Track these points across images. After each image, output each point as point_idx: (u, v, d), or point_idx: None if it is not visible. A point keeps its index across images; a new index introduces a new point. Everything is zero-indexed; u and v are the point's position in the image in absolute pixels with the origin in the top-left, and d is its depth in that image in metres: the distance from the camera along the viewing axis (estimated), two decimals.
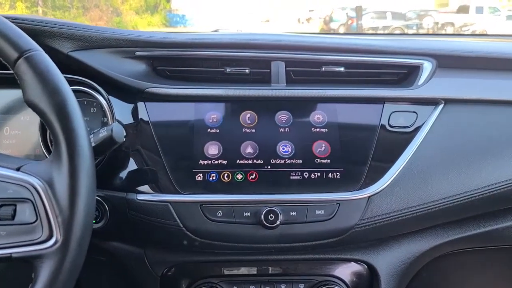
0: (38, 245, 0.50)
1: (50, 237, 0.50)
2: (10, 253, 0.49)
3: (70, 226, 0.50)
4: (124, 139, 0.65)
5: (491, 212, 0.79)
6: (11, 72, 0.54)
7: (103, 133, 0.61)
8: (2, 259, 0.49)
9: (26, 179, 0.51)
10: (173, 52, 0.77)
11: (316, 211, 0.70)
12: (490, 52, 0.85)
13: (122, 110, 0.74)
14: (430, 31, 11.52)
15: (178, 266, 0.77)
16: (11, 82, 0.59)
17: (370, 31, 11.09)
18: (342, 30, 12.31)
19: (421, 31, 11.92)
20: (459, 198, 0.73)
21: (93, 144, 0.59)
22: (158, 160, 0.71)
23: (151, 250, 0.76)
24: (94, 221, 0.71)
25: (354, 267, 0.79)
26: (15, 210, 0.50)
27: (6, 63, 0.54)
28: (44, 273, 0.49)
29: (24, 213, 0.50)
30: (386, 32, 10.71)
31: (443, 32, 11.52)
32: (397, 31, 11.30)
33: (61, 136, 0.51)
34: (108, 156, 0.72)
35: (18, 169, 0.52)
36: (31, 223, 0.50)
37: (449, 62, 0.81)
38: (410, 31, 11.64)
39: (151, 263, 0.76)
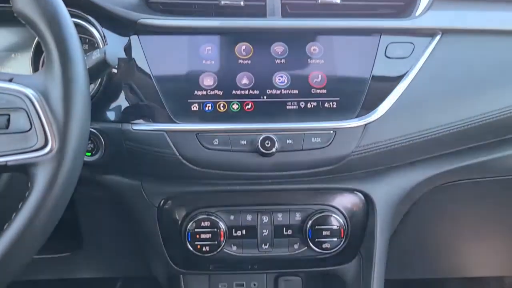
0: (33, 153, 0.49)
1: (45, 145, 0.50)
2: (5, 161, 0.49)
3: (65, 133, 0.50)
4: (117, 63, 0.65)
5: (486, 143, 0.80)
6: None
7: (96, 55, 0.61)
8: None
9: (18, 89, 0.50)
10: None
11: (313, 138, 0.70)
12: None
13: (115, 44, 0.74)
14: None
15: (175, 197, 0.78)
16: None
17: None
18: None
19: None
20: (454, 126, 0.73)
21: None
22: (153, 91, 0.71)
23: (148, 181, 0.77)
24: (89, 154, 0.71)
25: (350, 196, 0.79)
26: (8, 120, 0.50)
27: None
28: (40, 180, 0.49)
29: (18, 121, 0.50)
30: None
31: None
32: None
33: (53, 44, 0.50)
34: (102, 88, 0.71)
35: (10, 80, 0.51)
36: (26, 131, 0.50)
37: None
38: None
39: (148, 195, 0.77)
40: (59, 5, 0.52)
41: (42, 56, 0.80)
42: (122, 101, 0.73)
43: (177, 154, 0.70)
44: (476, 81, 0.77)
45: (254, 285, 0.91)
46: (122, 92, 0.73)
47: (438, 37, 0.76)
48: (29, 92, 0.50)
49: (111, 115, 0.72)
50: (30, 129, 0.50)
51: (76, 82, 0.51)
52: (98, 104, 0.71)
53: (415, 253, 1.05)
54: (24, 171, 0.49)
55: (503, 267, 1.21)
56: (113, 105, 0.72)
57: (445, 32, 0.77)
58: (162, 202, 0.78)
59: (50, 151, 0.49)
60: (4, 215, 0.54)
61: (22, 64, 0.81)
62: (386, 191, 0.79)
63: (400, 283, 1.53)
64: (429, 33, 0.77)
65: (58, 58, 0.50)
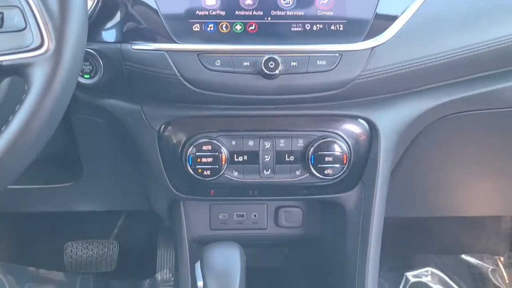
0: (29, 53, 0.48)
1: (41, 44, 0.48)
2: (0, 61, 0.47)
3: (62, 33, 0.48)
4: None
5: (496, 72, 0.78)
6: None
7: None
8: None
9: None
10: None
11: (318, 61, 0.68)
12: None
13: None
14: None
15: (175, 121, 0.77)
16: None
17: None
18: None
19: None
20: (464, 51, 0.71)
21: None
22: (153, 10, 0.68)
23: (148, 105, 0.76)
24: (88, 76, 0.70)
25: (355, 123, 0.79)
26: (2, 18, 0.48)
27: None
28: (37, 81, 0.47)
29: (12, 20, 0.48)
30: None
31: None
32: None
33: None
34: (100, 7, 0.69)
35: None
36: (21, 30, 0.48)
37: None
38: None
39: (148, 119, 0.76)
40: None
41: None
42: (120, 21, 0.70)
43: (178, 75, 0.68)
44: (488, 6, 0.74)
45: (255, 216, 0.92)
46: (120, 11, 0.70)
47: None
48: None
49: (109, 35, 0.70)
50: (25, 28, 0.48)
51: None
52: (96, 24, 0.68)
53: (414, 191, 1.06)
54: (20, 73, 0.48)
55: (502, 206, 1.24)
56: (111, 24, 0.70)
57: None
58: (162, 126, 0.77)
59: (47, 51, 0.47)
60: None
61: None
62: (391, 119, 0.78)
63: (398, 221, 1.57)
64: None
65: None
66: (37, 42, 0.48)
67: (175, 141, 0.77)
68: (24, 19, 0.48)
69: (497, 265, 1.64)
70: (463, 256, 1.65)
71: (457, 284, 1.60)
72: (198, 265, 0.65)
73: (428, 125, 0.84)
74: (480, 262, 1.64)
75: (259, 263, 1.08)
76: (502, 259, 1.64)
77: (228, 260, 0.63)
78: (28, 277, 1.50)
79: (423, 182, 1.03)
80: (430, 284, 1.60)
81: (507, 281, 1.62)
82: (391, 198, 0.99)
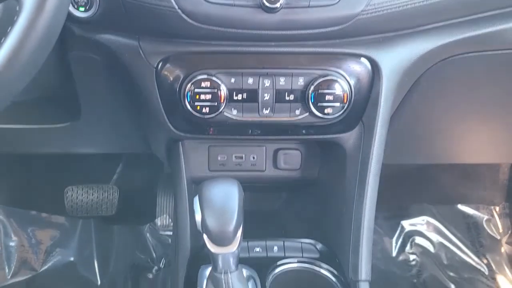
0: None
1: None
2: None
3: None
4: None
5: (497, 14, 0.76)
6: None
7: None
8: None
9: None
10: None
11: None
12: None
13: None
14: None
15: (174, 57, 0.75)
16: None
17: None
18: None
19: None
20: None
21: None
22: None
23: (146, 41, 0.73)
24: (83, 9, 0.67)
25: (357, 62, 0.76)
26: None
27: None
28: (26, 5, 0.45)
29: None
30: None
31: None
32: None
33: None
34: None
35: None
36: None
37: None
38: None
39: (146, 54, 0.74)
40: None
41: None
42: None
43: (176, 7, 0.66)
44: None
45: (253, 158, 0.91)
46: None
47: None
48: None
49: None
50: None
51: None
52: None
53: (414, 137, 1.06)
54: None
55: (500, 154, 1.25)
56: None
57: None
58: (160, 62, 0.75)
59: None
60: None
61: None
62: (393, 59, 0.76)
63: (395, 170, 1.57)
64: None
65: None
66: None
67: (173, 78, 0.75)
68: None
69: (492, 215, 1.67)
70: (459, 205, 1.68)
71: (452, 233, 1.64)
72: (196, 199, 0.65)
73: (430, 68, 0.81)
74: (476, 212, 1.67)
75: (257, 207, 1.09)
76: (497, 209, 1.67)
77: (227, 194, 0.63)
78: (30, 220, 1.53)
79: (423, 128, 1.02)
80: (425, 232, 1.64)
81: (501, 231, 1.65)
82: (390, 144, 0.99)
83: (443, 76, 0.85)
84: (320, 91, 0.75)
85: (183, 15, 0.66)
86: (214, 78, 0.74)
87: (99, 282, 1.47)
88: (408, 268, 1.57)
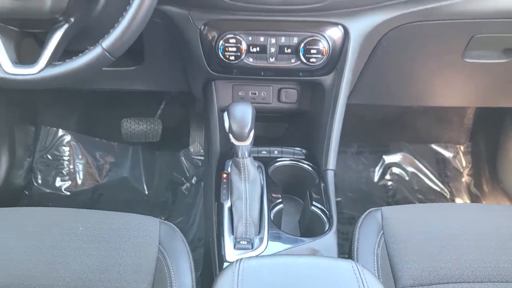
0: None
1: None
2: None
3: None
4: None
5: None
6: None
7: None
8: None
9: None
10: None
11: None
12: None
13: None
14: None
15: (211, 22, 1.02)
16: None
17: None
18: None
19: None
20: None
21: None
22: None
23: (193, 11, 1.01)
24: None
25: (334, 27, 1.03)
26: None
27: None
28: None
29: None
30: None
31: None
32: None
33: None
34: None
35: None
36: None
37: None
38: None
39: (194, 20, 1.02)
40: None
41: None
42: None
43: None
44: None
45: (263, 94, 1.19)
46: None
47: None
48: None
49: None
50: None
51: None
52: None
53: (384, 81, 1.29)
54: None
55: (464, 99, 1.45)
56: None
57: None
58: (203, 26, 1.02)
59: None
60: (110, 20, 0.83)
61: None
62: (359, 26, 1.03)
63: (379, 114, 1.83)
64: None
65: None
66: None
67: (211, 36, 1.03)
68: None
69: (458, 153, 1.91)
70: (431, 144, 1.92)
71: (423, 165, 1.89)
72: (225, 113, 0.97)
73: (388, 32, 1.07)
74: (444, 150, 1.92)
75: (265, 131, 1.40)
76: (462, 147, 1.91)
77: (245, 109, 0.95)
78: (93, 144, 1.85)
79: (389, 75, 1.27)
80: (402, 164, 1.90)
81: (464, 165, 1.90)
82: (365, 87, 1.27)
83: (400, 37, 1.10)
84: (308, 46, 1.02)
85: None
86: (237, 37, 1.02)
87: (146, 192, 1.80)
88: (386, 191, 1.85)
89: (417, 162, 1.91)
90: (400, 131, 1.91)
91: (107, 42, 0.78)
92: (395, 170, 1.89)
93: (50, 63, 0.80)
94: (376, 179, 1.88)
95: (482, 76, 1.28)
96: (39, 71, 0.79)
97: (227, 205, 0.97)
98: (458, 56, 1.17)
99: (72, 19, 0.82)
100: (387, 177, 1.88)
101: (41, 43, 0.85)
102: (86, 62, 0.80)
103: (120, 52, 0.82)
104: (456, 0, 1.01)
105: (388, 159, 1.91)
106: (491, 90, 1.37)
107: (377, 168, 1.90)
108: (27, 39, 0.90)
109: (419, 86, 1.33)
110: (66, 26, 0.82)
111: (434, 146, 1.93)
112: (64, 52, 0.87)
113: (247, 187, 0.95)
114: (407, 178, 1.88)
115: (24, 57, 0.85)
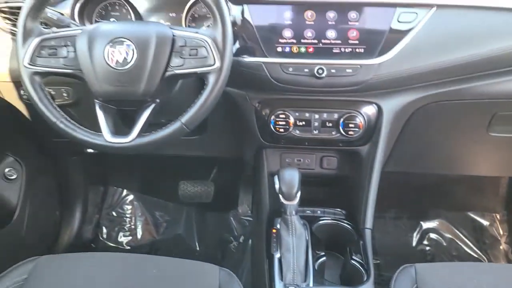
0: (209, 67, 0.95)
1: (214, 63, 0.94)
2: (196, 71, 0.96)
3: (223, 58, 0.95)
4: (238, 22, 1.09)
5: (463, 78, 1.14)
6: None
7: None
8: (192, 74, 0.97)
9: (202, 36, 0.96)
10: None
11: (347, 70, 1.08)
12: None
13: (234, 11, 1.12)
14: None
15: (265, 101, 1.19)
16: None
17: None
18: None
19: None
20: (440, 66, 1.09)
21: None
22: (255, 38, 1.10)
23: (250, 92, 1.20)
24: None
25: (369, 106, 1.18)
26: (197, 51, 0.95)
27: None
28: (211, 80, 0.95)
29: (202, 52, 0.95)
30: None
31: None
32: None
33: (218, 15, 0.95)
34: None
35: (196, 32, 0.98)
36: (205, 57, 0.95)
37: None
38: None
39: (250, 99, 1.20)
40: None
41: (189, 16, 1.26)
42: (238, 44, 1.12)
43: (268, 75, 1.10)
44: (458, 39, 1.08)
45: (308, 161, 1.33)
46: (239, 42, 1.11)
47: (433, 10, 1.06)
48: (207, 37, 0.96)
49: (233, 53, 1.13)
50: (207, 56, 0.95)
51: (228, 34, 0.95)
52: None
53: (417, 152, 1.41)
54: (204, 76, 0.96)
55: (498, 168, 1.53)
56: (234, 48, 1.11)
57: (439, 6, 1.07)
58: (257, 104, 1.20)
59: (216, 66, 0.95)
60: (184, 99, 1.03)
61: (177, 21, 1.26)
62: (390, 104, 1.17)
63: (418, 181, 1.90)
64: (428, 6, 1.07)
65: (220, 22, 0.95)
66: (212, 62, 0.95)
67: (264, 112, 1.20)
68: (207, 51, 0.95)
69: (494, 221, 1.96)
70: (468, 212, 1.98)
71: (461, 232, 1.95)
72: (276, 177, 1.12)
73: (418, 108, 1.21)
74: (481, 218, 1.97)
75: (309, 193, 1.52)
76: (498, 216, 1.96)
77: (292, 174, 1.10)
78: (153, 204, 2.03)
79: (421, 146, 1.38)
80: (439, 231, 1.96)
81: (501, 233, 1.93)
82: (400, 156, 1.39)
83: (428, 114, 1.23)
84: (346, 121, 1.18)
85: (272, 79, 1.11)
86: (286, 113, 1.19)
87: (198, 249, 1.93)
88: (424, 255, 1.90)
89: (454, 229, 1.96)
90: (438, 198, 1.99)
91: (185, 117, 0.97)
92: (433, 235, 1.95)
93: (140, 134, 0.99)
94: (414, 243, 1.94)
95: (509, 148, 1.38)
96: (131, 141, 0.98)
97: (277, 255, 1.11)
98: (483, 130, 1.29)
99: (158, 100, 1.03)
100: (425, 242, 1.94)
101: (127, 117, 1.06)
102: (167, 133, 0.99)
103: (195, 126, 1.00)
104: (476, 83, 1.16)
105: (426, 225, 1.98)
106: None
107: (414, 234, 1.97)
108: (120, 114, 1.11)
109: (449, 156, 1.44)
110: (153, 105, 1.02)
111: (471, 214, 1.99)
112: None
113: (294, 241, 1.09)
114: (444, 244, 1.93)
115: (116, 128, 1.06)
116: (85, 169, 1.86)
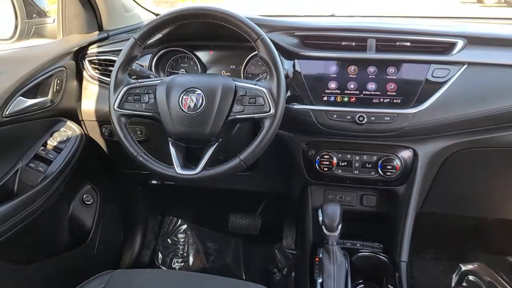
0: (265, 113, 1.07)
1: (269, 110, 1.07)
2: (254, 117, 1.08)
3: (277, 106, 1.07)
4: (290, 75, 1.26)
5: (492, 127, 1.24)
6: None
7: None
8: (251, 119, 1.11)
9: (259, 88, 1.09)
10: (316, 33, 1.30)
11: (385, 118, 1.20)
12: (505, 36, 1.24)
13: (288, 65, 1.28)
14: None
15: (311, 143, 1.33)
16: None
17: None
18: None
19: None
20: (469, 117, 1.19)
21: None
22: (304, 89, 1.24)
23: (298, 134, 1.34)
24: None
25: (405, 150, 1.28)
26: (255, 99, 1.08)
27: (249, 39, 1.12)
28: (267, 124, 1.08)
29: (259, 101, 1.08)
30: None
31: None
32: None
33: (274, 70, 1.08)
34: None
35: (255, 84, 1.12)
36: (262, 105, 1.08)
37: (475, 40, 1.23)
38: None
39: (298, 141, 1.34)
40: (276, 55, 1.11)
41: (246, 68, 1.43)
42: (289, 93, 1.26)
43: (315, 120, 1.24)
44: (487, 93, 1.20)
45: (349, 198, 1.44)
46: (290, 92, 1.26)
47: (465, 67, 1.19)
48: (264, 88, 1.09)
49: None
50: (264, 104, 1.08)
51: (282, 86, 1.10)
52: None
53: (452, 193, 1.48)
54: (260, 121, 1.10)
55: None
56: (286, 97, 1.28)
57: (470, 64, 1.19)
58: (305, 145, 1.33)
59: (272, 113, 1.08)
60: (241, 140, 1.17)
61: (236, 72, 1.45)
62: (425, 148, 1.28)
63: (457, 224, 1.93)
64: (460, 64, 1.20)
65: (275, 76, 1.10)
66: (267, 109, 1.09)
67: (310, 153, 1.33)
68: (264, 100, 1.10)
69: None
70: (507, 256, 1.97)
71: (500, 276, 1.91)
72: (319, 210, 1.24)
73: (452, 154, 1.31)
74: None
75: (350, 229, 1.61)
76: None
77: (334, 207, 1.21)
78: (204, 234, 2.16)
79: (456, 189, 1.46)
80: (479, 273, 1.94)
81: None
82: (436, 198, 1.47)
83: (461, 159, 1.33)
84: (384, 163, 1.30)
85: (318, 124, 1.25)
86: (330, 154, 1.32)
87: (244, 278, 2.03)
88: None
89: (493, 272, 1.95)
90: (477, 241, 2.00)
91: (244, 155, 1.12)
92: (472, 278, 1.95)
93: (205, 168, 1.16)
94: (453, 284, 1.95)
95: None
96: (197, 173, 1.15)
97: (319, 280, 1.21)
98: None
99: (220, 139, 1.19)
100: (464, 284, 1.94)
101: (191, 154, 1.22)
102: (228, 168, 1.14)
103: (251, 163, 1.14)
104: (504, 133, 1.26)
105: (465, 267, 1.98)
106: None
107: (454, 275, 1.98)
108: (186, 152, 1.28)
109: (485, 200, 1.51)
110: (216, 144, 1.18)
111: (510, 258, 1.98)
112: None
113: (335, 268, 1.20)
114: (483, 287, 1.93)
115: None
116: (147, 199, 2.05)
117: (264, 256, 2.09)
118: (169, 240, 2.16)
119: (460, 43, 1.23)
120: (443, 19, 1.78)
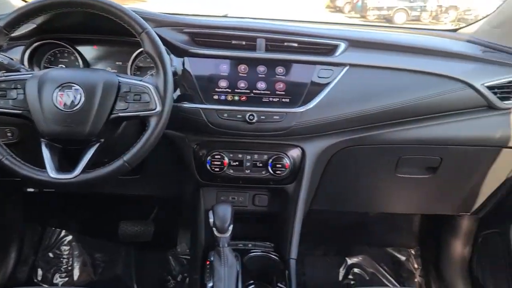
0: (151, 111, 1.02)
1: (155, 108, 1.01)
2: (139, 114, 1.03)
3: (164, 103, 1.02)
4: (179, 72, 1.18)
5: (373, 126, 1.31)
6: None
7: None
8: (135, 117, 1.03)
9: (145, 84, 1.03)
10: (206, 31, 1.26)
11: (274, 116, 1.20)
12: (384, 40, 1.32)
13: (177, 62, 1.22)
14: (433, 14, 11.48)
15: (203, 143, 1.28)
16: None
17: (375, 10, 11.44)
18: (347, 8, 12.39)
19: (424, 14, 11.58)
20: (352, 115, 1.24)
21: None
22: (194, 87, 1.20)
23: (189, 134, 1.28)
24: None
25: (294, 148, 1.29)
26: (140, 96, 1.02)
27: (134, 32, 1.05)
28: (152, 123, 1.02)
29: (145, 98, 1.02)
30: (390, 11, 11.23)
31: (445, 15, 11.33)
32: (400, 12, 11.42)
33: (160, 66, 1.04)
34: None
35: (140, 80, 1.06)
36: (148, 102, 1.02)
37: (356, 43, 1.29)
38: (413, 13, 11.49)
39: (189, 141, 1.28)
40: (162, 49, 1.05)
41: (134, 65, 1.33)
42: (178, 91, 1.22)
43: (206, 120, 1.20)
44: (367, 93, 1.25)
45: (241, 198, 1.42)
46: (180, 90, 1.21)
47: (346, 68, 1.24)
48: (150, 85, 1.04)
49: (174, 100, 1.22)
50: (150, 101, 1.02)
51: (168, 82, 1.04)
52: None
53: (338, 191, 1.54)
54: (146, 119, 1.03)
55: (410, 206, 1.66)
56: (175, 95, 1.21)
57: (351, 65, 1.24)
58: (196, 145, 1.28)
59: (158, 111, 1.02)
60: (127, 140, 1.09)
61: (123, 69, 1.33)
62: (312, 147, 1.30)
63: (343, 220, 2.02)
64: (342, 65, 1.24)
65: (162, 72, 1.04)
66: (153, 107, 1.03)
67: (201, 153, 1.28)
68: (149, 97, 1.03)
69: (410, 255, 2.11)
70: (387, 248, 2.13)
71: (381, 267, 2.08)
72: (210, 212, 1.19)
73: (337, 152, 1.35)
74: (398, 253, 2.12)
75: (242, 229, 1.58)
76: (412, 251, 2.11)
77: (225, 208, 1.17)
78: (91, 244, 2.00)
79: (341, 185, 1.51)
80: (363, 266, 2.08)
81: (415, 267, 2.08)
82: (324, 195, 1.51)
83: (345, 156, 1.37)
84: (274, 162, 1.29)
85: (209, 124, 1.21)
86: (221, 154, 1.28)
87: None
88: None
89: (375, 264, 2.09)
90: (361, 235, 2.12)
91: (127, 156, 1.03)
92: (357, 270, 2.07)
93: (84, 171, 1.04)
94: (340, 278, 2.05)
95: (415, 188, 1.55)
96: (75, 177, 1.02)
97: (209, 285, 1.16)
98: (391, 172, 1.45)
99: (102, 140, 1.08)
100: (350, 276, 2.05)
101: (72, 158, 1.10)
102: (110, 170, 1.04)
103: (135, 164, 1.06)
104: (382, 131, 1.33)
105: (351, 260, 2.10)
106: (424, 199, 1.63)
107: (341, 269, 2.08)
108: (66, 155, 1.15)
109: (366, 196, 1.58)
110: (97, 144, 1.07)
111: (389, 250, 2.13)
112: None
113: (226, 270, 1.15)
114: (367, 278, 2.05)
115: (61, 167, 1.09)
116: (23, 208, 1.82)
117: (157, 264, 2.00)
118: (50, 254, 1.95)
119: (342, 45, 1.28)
120: (331, 25, 1.84)
